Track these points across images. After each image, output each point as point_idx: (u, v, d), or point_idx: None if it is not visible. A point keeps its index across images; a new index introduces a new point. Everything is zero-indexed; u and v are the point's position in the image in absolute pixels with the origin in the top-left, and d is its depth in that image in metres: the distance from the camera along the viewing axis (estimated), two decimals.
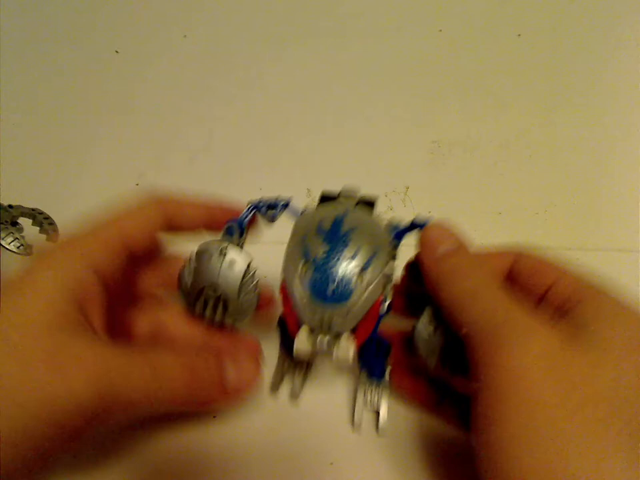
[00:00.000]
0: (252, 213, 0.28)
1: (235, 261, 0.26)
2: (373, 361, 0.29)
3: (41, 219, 0.39)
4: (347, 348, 0.23)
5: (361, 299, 0.22)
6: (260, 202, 0.28)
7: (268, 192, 0.50)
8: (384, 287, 0.24)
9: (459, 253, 0.24)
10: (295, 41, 0.44)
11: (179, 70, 0.46)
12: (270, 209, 0.28)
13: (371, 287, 0.23)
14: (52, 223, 0.39)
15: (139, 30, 0.44)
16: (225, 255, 0.26)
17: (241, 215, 0.28)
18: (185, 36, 0.44)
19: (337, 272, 0.23)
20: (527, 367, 0.19)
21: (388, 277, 0.25)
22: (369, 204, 0.26)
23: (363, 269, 0.23)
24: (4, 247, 0.36)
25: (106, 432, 0.28)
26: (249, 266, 0.27)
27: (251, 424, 0.30)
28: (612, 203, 0.49)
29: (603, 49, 0.44)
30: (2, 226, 0.36)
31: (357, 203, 0.26)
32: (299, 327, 0.23)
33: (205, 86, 0.46)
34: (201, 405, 0.26)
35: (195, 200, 0.29)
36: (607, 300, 0.22)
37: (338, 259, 0.23)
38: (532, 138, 0.48)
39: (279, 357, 0.32)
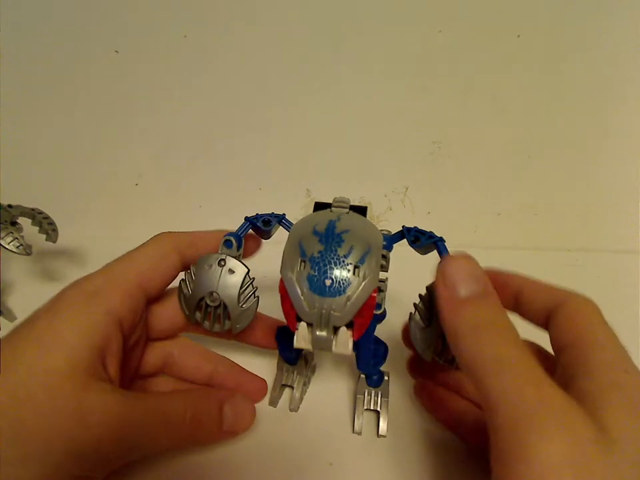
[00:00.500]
0: (248, 227, 0.29)
1: (233, 271, 0.27)
2: (370, 361, 0.29)
3: (41, 219, 0.39)
4: (346, 339, 0.24)
5: (356, 292, 0.23)
6: (255, 217, 0.29)
7: (268, 192, 0.50)
8: (378, 281, 0.25)
9: (484, 303, 0.22)
10: (295, 39, 0.44)
11: (178, 70, 0.46)
12: (265, 224, 0.29)
13: (365, 282, 0.23)
14: (51, 223, 0.39)
15: (139, 30, 0.44)
16: (223, 265, 0.27)
17: (238, 229, 0.29)
18: (185, 36, 0.44)
19: (333, 268, 0.24)
20: (554, 464, 0.17)
21: (381, 282, 0.26)
22: (360, 210, 0.28)
23: (357, 265, 0.24)
24: (3, 246, 0.36)
25: None
26: (247, 275, 0.27)
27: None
28: (612, 204, 0.49)
29: (602, 49, 0.43)
30: (1, 225, 0.36)
31: (349, 211, 0.27)
32: (297, 322, 0.24)
33: (205, 86, 0.46)
34: (199, 445, 0.28)
35: (205, 232, 0.30)
36: (613, 366, 0.21)
37: (333, 257, 0.24)
38: (532, 139, 0.48)
39: (277, 368, 0.33)
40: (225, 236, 0.28)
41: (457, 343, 0.21)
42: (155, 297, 0.28)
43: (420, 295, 0.27)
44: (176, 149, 0.49)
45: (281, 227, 0.29)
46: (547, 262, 0.43)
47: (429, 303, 0.26)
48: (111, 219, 0.53)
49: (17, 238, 0.36)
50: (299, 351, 0.30)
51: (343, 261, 0.24)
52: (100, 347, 0.23)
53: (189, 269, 0.28)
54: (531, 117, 0.47)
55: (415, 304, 0.27)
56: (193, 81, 0.46)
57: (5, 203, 0.38)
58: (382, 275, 0.26)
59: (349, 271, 0.23)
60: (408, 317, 0.27)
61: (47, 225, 0.39)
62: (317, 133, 0.48)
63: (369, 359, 0.29)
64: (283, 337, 0.30)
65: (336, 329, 0.24)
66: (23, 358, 0.22)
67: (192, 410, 0.25)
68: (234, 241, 0.28)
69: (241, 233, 0.29)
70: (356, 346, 0.26)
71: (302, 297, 0.23)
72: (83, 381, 0.22)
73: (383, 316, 0.27)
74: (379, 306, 0.26)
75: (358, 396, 0.30)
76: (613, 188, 0.49)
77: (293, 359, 0.32)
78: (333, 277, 0.23)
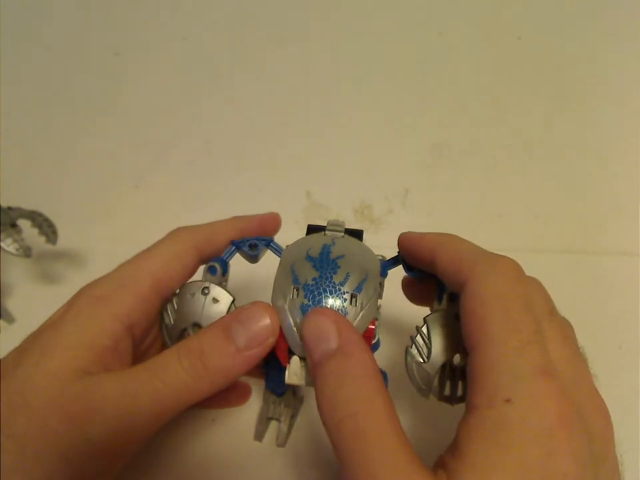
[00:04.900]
0: (234, 252, 0.28)
1: (217, 300, 0.25)
2: None
3: (41, 221, 0.39)
4: None
5: (353, 323, 0.22)
6: (242, 241, 0.28)
7: (267, 194, 0.50)
8: (377, 310, 0.23)
9: (334, 364, 0.20)
10: (295, 43, 0.44)
11: (178, 72, 0.46)
12: (252, 248, 0.28)
13: (363, 312, 0.22)
14: (51, 225, 0.39)
15: (139, 32, 0.44)
16: (207, 294, 0.26)
17: (223, 254, 0.28)
18: (185, 38, 0.44)
19: (328, 297, 0.22)
20: None
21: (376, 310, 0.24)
22: (355, 234, 0.26)
23: (354, 293, 0.22)
24: (3, 248, 0.36)
25: None
26: (232, 304, 0.26)
27: (248, 427, 0.30)
28: (612, 205, 0.49)
29: (602, 51, 0.44)
30: (1, 228, 0.36)
31: (344, 235, 0.26)
32: (289, 356, 0.22)
33: (205, 88, 0.46)
34: (218, 385, 0.23)
35: (221, 224, 0.29)
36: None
37: (328, 284, 0.22)
38: (532, 141, 0.47)
39: (263, 400, 0.30)
40: (209, 262, 0.27)
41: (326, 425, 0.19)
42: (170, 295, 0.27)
43: (417, 327, 0.25)
44: (176, 151, 0.49)
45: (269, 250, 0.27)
46: (548, 264, 0.43)
47: (428, 335, 0.24)
48: (111, 220, 0.52)
49: (16, 240, 0.36)
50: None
51: (339, 289, 0.22)
52: (104, 349, 0.23)
53: (171, 298, 0.26)
54: (531, 119, 0.47)
55: (411, 337, 0.24)
56: (193, 82, 0.46)
57: (5, 205, 0.38)
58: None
59: (345, 300, 0.22)
60: (404, 352, 0.24)
61: (46, 227, 0.39)
62: (317, 135, 0.48)
63: None
64: (270, 367, 0.27)
65: None
66: (24, 365, 0.22)
67: (185, 349, 0.22)
68: (218, 267, 0.26)
69: (227, 258, 0.27)
70: None
71: (295, 329, 0.22)
72: (80, 384, 0.21)
73: (376, 346, 0.25)
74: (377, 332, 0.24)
75: None
76: (613, 190, 0.49)
77: (281, 392, 0.29)
78: (329, 307, 0.22)
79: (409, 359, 0.24)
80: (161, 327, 0.27)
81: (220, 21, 0.44)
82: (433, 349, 0.24)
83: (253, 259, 0.28)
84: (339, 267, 0.23)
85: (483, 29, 0.43)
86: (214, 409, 0.32)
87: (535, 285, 0.23)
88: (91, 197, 0.52)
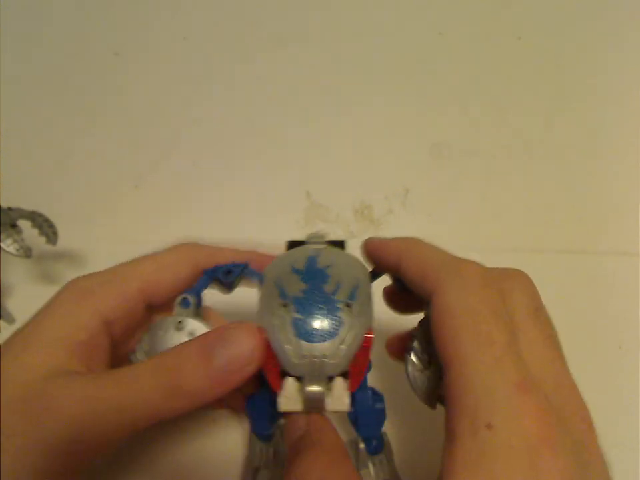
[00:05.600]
0: (207, 282, 0.26)
1: (194, 333, 0.23)
2: (372, 420, 0.24)
3: (41, 222, 0.39)
4: (342, 392, 0.20)
5: (350, 333, 0.20)
6: (214, 269, 0.26)
7: (268, 195, 0.50)
8: (372, 317, 0.22)
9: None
10: (295, 43, 0.44)
11: (178, 72, 0.46)
12: (227, 275, 0.25)
13: (359, 320, 0.21)
14: (51, 226, 0.39)
15: (139, 32, 0.44)
16: (182, 329, 0.23)
17: (196, 284, 0.26)
18: (185, 38, 0.44)
19: (321, 308, 0.21)
20: None
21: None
22: (338, 244, 0.25)
23: (348, 302, 0.21)
24: (3, 249, 0.36)
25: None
26: None
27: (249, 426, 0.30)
28: (612, 205, 0.49)
29: (603, 51, 0.44)
30: (1, 228, 0.36)
31: (326, 246, 0.25)
32: (282, 380, 0.21)
33: (205, 88, 0.46)
34: (184, 400, 0.21)
35: (231, 250, 0.28)
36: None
37: (319, 294, 0.21)
38: (532, 140, 0.47)
39: (249, 448, 0.26)
40: (180, 294, 0.25)
41: None
42: (160, 305, 0.27)
43: (412, 333, 0.23)
44: (176, 152, 0.49)
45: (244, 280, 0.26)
46: (548, 264, 0.43)
47: (424, 340, 0.22)
48: (111, 221, 0.52)
49: (16, 240, 0.36)
50: (275, 421, 0.24)
51: (332, 299, 0.21)
52: (79, 343, 0.22)
53: (141, 337, 0.25)
54: (531, 119, 0.47)
55: (407, 343, 0.23)
56: (193, 82, 0.46)
57: (5, 205, 0.38)
58: None
59: (339, 309, 0.21)
60: (405, 362, 0.23)
61: (46, 228, 0.39)
62: (317, 135, 0.48)
63: (370, 417, 0.23)
64: (254, 408, 0.24)
65: (330, 379, 0.20)
66: (5, 358, 0.21)
67: (161, 365, 0.21)
68: (191, 300, 0.25)
69: (200, 289, 0.26)
70: (352, 402, 0.21)
71: (289, 347, 0.20)
72: (50, 381, 0.21)
73: (369, 366, 0.23)
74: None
75: (362, 472, 0.23)
76: (614, 190, 0.49)
77: (269, 435, 0.25)
78: (322, 320, 0.20)
79: (409, 368, 0.22)
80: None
81: (220, 21, 0.44)
82: (433, 355, 0.22)
83: (228, 287, 0.26)
84: (328, 277, 0.22)
85: (483, 29, 0.43)
86: (217, 409, 0.31)
87: (518, 281, 0.22)
88: (91, 197, 0.52)
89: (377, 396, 0.24)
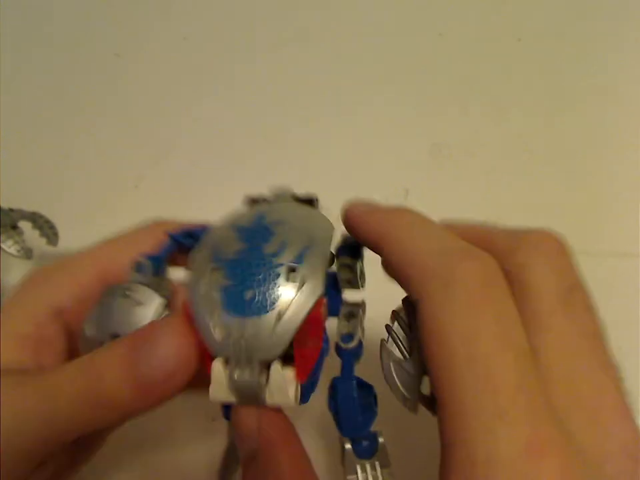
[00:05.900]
0: (173, 247, 0.22)
1: (142, 304, 0.20)
2: (357, 417, 0.18)
3: (42, 223, 0.39)
4: (282, 382, 0.16)
5: (290, 305, 0.16)
6: (181, 232, 0.22)
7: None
8: (325, 288, 0.17)
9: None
10: (295, 43, 0.44)
11: (178, 72, 0.46)
12: (188, 237, 0.22)
13: (303, 288, 0.16)
14: (52, 227, 0.39)
15: (139, 33, 0.44)
16: (128, 296, 0.20)
17: (159, 249, 0.22)
18: (185, 38, 0.44)
19: (254, 273, 0.17)
20: None
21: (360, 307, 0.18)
22: (307, 202, 0.21)
23: (292, 265, 0.17)
24: (4, 250, 0.36)
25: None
26: (163, 307, 0.20)
27: None
28: (613, 206, 0.49)
29: (603, 52, 0.44)
30: (2, 229, 0.36)
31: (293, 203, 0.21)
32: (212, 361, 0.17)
33: (205, 88, 0.46)
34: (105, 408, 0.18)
35: (199, 224, 0.26)
36: None
37: (256, 256, 0.17)
38: (532, 141, 0.48)
39: (228, 437, 0.23)
40: (137, 258, 0.21)
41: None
42: None
43: (394, 312, 0.19)
44: (176, 151, 0.49)
45: None
46: None
47: (408, 322, 0.18)
48: (112, 221, 0.52)
49: (17, 241, 0.36)
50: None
51: (270, 262, 0.17)
52: (25, 336, 0.21)
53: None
54: (531, 120, 0.47)
55: (387, 325, 0.18)
56: (193, 82, 0.46)
57: (6, 206, 0.38)
58: (356, 295, 0.19)
59: (278, 275, 0.17)
60: (379, 346, 0.18)
61: (47, 229, 0.39)
62: (316, 135, 0.48)
63: (354, 414, 0.18)
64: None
65: (265, 363, 0.16)
66: None
67: (83, 369, 0.18)
68: (146, 263, 0.21)
69: (162, 254, 0.22)
70: (305, 394, 0.17)
71: (213, 320, 0.16)
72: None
73: (357, 351, 0.18)
74: (349, 337, 0.18)
75: (348, 478, 0.18)
76: (613, 191, 0.49)
77: None
78: (255, 287, 0.16)
79: (384, 356, 0.18)
80: (79, 342, 0.22)
81: (220, 21, 0.44)
82: (416, 343, 0.17)
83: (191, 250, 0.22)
84: (272, 234, 0.18)
85: (483, 30, 0.43)
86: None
87: (541, 250, 0.17)
88: (91, 197, 0.52)
89: (364, 387, 0.18)
